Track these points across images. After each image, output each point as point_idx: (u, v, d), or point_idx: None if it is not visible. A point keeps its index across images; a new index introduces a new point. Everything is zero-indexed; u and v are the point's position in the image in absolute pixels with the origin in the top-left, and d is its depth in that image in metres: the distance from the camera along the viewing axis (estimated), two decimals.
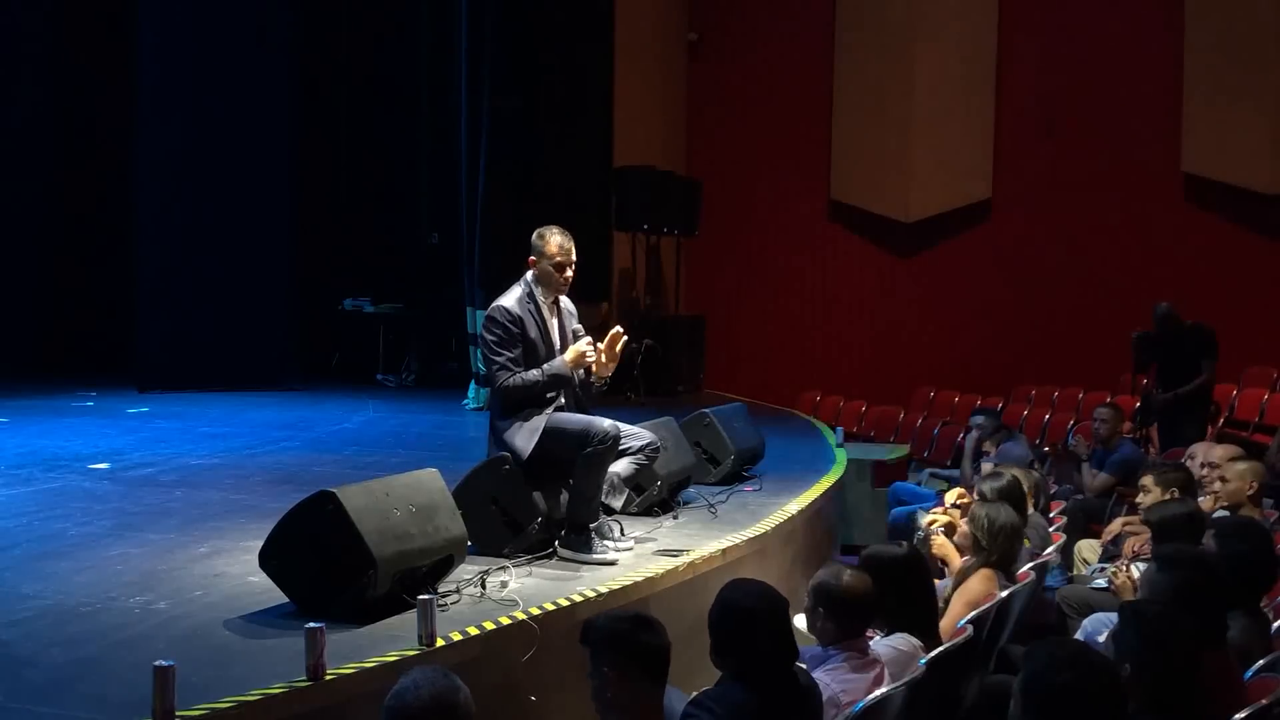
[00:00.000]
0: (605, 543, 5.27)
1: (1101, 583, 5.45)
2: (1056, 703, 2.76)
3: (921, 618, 4.25)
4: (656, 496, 6.22)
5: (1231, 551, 4.26)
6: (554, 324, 5.44)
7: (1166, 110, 12.58)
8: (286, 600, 4.29)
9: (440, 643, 3.95)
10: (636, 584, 4.93)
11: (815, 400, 13.42)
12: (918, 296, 13.87)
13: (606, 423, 5.23)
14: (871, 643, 3.95)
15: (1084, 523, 7.76)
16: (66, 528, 5.61)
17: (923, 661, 3.93)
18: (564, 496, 5.32)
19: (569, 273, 5.41)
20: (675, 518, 6.20)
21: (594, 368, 5.38)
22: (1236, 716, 3.33)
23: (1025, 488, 5.99)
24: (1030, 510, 6.06)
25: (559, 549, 5.23)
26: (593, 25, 11.76)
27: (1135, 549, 5.78)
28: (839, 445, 9.12)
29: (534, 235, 5.43)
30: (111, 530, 5.57)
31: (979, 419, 9.09)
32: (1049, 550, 5.93)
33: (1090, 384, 12.27)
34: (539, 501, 5.27)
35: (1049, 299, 13.21)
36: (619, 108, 12.16)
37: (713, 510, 6.36)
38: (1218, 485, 6.11)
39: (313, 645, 3.57)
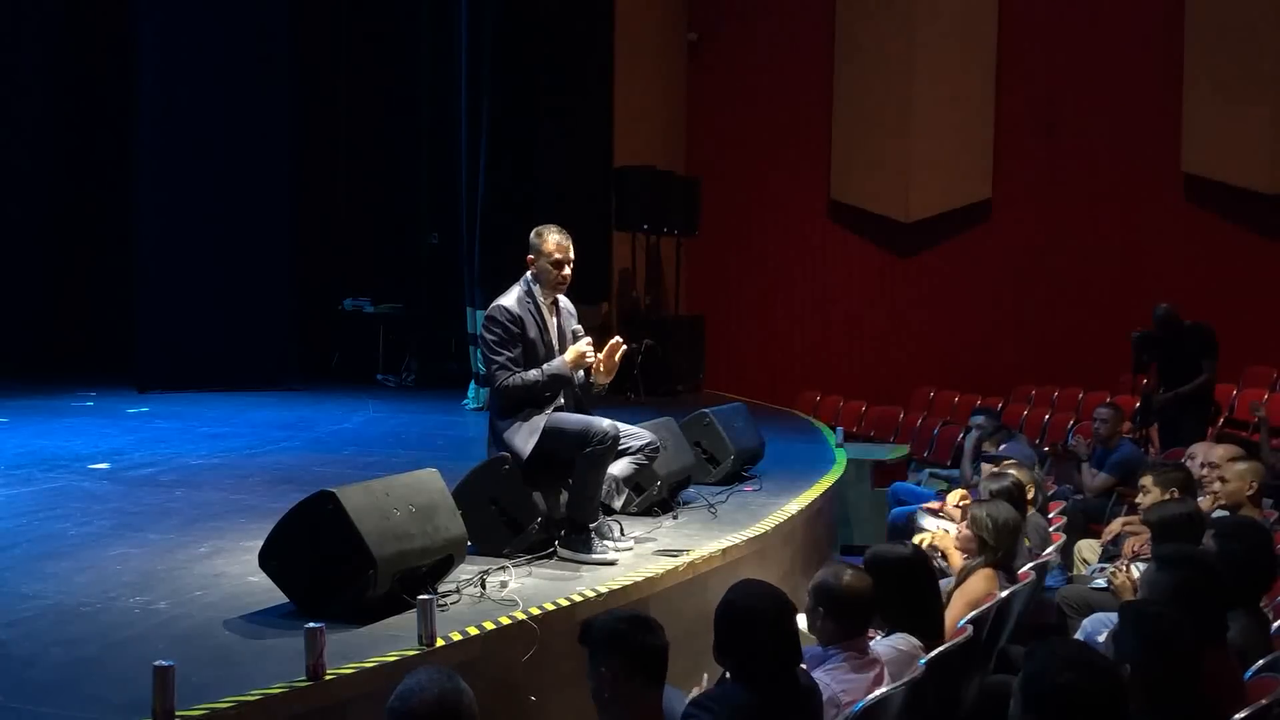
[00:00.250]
0: (605, 543, 5.28)
1: (1101, 583, 5.44)
2: (1056, 703, 2.76)
3: (926, 619, 4.25)
4: (656, 496, 6.22)
5: (1231, 551, 4.25)
6: (553, 323, 5.44)
7: (1166, 110, 12.57)
8: (286, 600, 4.29)
9: (440, 643, 3.96)
10: (636, 584, 4.93)
11: (815, 400, 13.42)
12: (918, 296, 13.87)
13: (606, 423, 5.23)
14: (872, 643, 3.95)
15: (1084, 523, 7.75)
16: (66, 528, 5.61)
17: (923, 661, 3.93)
18: (564, 496, 5.32)
19: (567, 270, 5.40)
20: (675, 518, 6.20)
21: (593, 372, 5.38)
22: (1236, 716, 3.33)
23: (1026, 486, 6.01)
24: (1030, 510, 6.07)
25: (559, 549, 5.23)
26: (593, 25, 11.76)
27: (1135, 549, 5.78)
28: (839, 445, 9.13)
29: (531, 234, 5.44)
30: (111, 530, 5.57)
31: (979, 419, 9.08)
32: (1049, 550, 5.93)
33: (1090, 384, 12.26)
34: (539, 501, 5.27)
35: (1049, 299, 13.21)
36: (619, 108, 12.16)
37: (713, 510, 6.36)
38: (1217, 485, 6.10)
39: (313, 645, 3.57)
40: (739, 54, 14.45)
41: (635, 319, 12.61)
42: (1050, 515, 6.74)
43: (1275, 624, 4.34)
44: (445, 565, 4.58)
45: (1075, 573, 6.68)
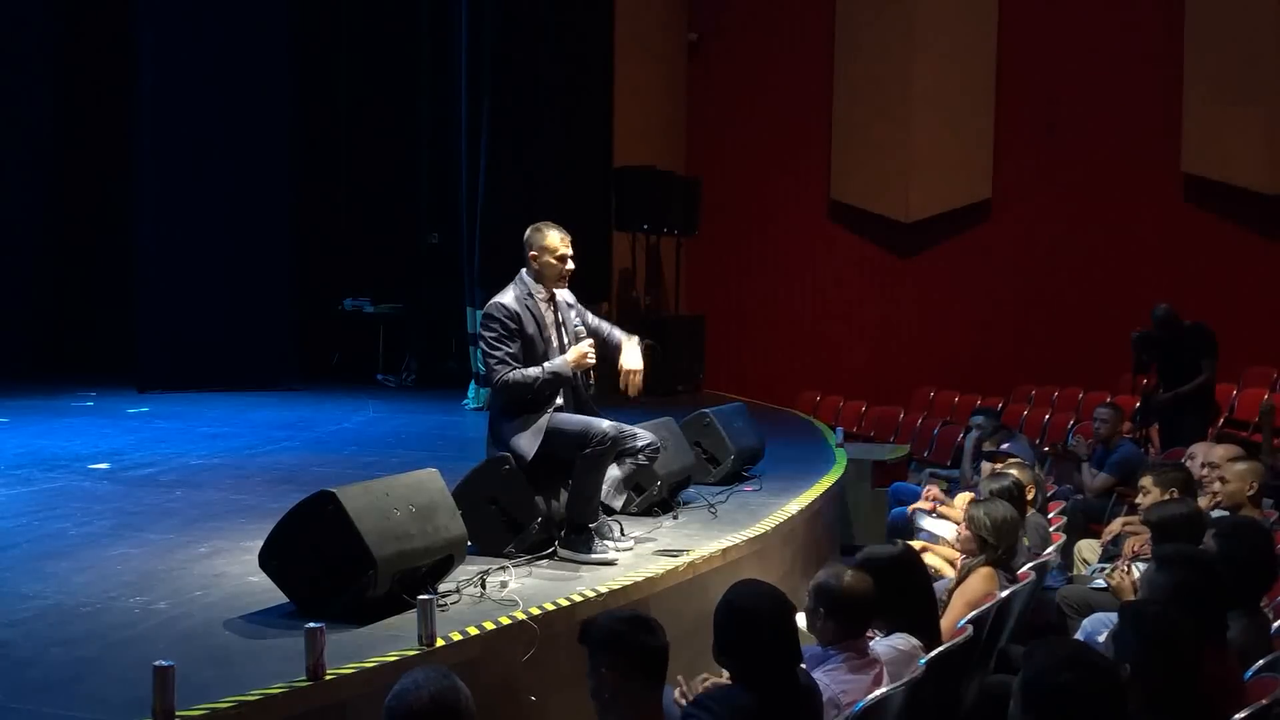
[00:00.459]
0: (605, 543, 5.27)
1: (1101, 583, 5.45)
2: (1056, 703, 2.76)
3: (919, 616, 4.25)
4: (656, 496, 6.22)
5: (1231, 551, 4.25)
6: (550, 319, 5.43)
7: (1166, 110, 12.57)
8: (286, 600, 4.29)
9: (440, 643, 3.95)
10: (636, 584, 4.93)
11: (815, 400, 13.41)
12: (918, 296, 13.87)
13: (606, 423, 5.23)
14: (871, 643, 3.95)
15: (1084, 523, 7.76)
16: (66, 528, 5.62)
17: (923, 661, 3.93)
18: (564, 496, 5.32)
19: (570, 264, 5.41)
20: (675, 518, 6.20)
21: (624, 386, 5.36)
22: (1236, 716, 3.33)
23: (1025, 486, 6.02)
24: (1030, 510, 6.07)
25: (559, 549, 5.23)
26: (593, 25, 11.76)
27: (1135, 549, 5.78)
28: (839, 445, 9.13)
29: (530, 230, 5.43)
30: (111, 530, 5.57)
31: (979, 419, 9.08)
32: (1049, 550, 5.93)
33: (1090, 384, 12.26)
34: (539, 501, 5.27)
35: (1049, 299, 13.21)
36: (619, 108, 12.15)
37: (713, 510, 6.36)
38: (1217, 485, 6.10)
39: (313, 645, 3.57)
40: (739, 54, 14.45)
41: (635, 319, 12.61)
42: (1050, 515, 6.75)
43: (1275, 624, 4.34)
44: (445, 565, 4.58)
45: (1075, 573, 6.68)
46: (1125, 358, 10.29)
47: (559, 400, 5.37)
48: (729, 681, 3.46)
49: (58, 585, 4.64)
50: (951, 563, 5.68)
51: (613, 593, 4.75)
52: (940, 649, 4.08)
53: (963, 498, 6.91)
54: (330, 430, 9.10)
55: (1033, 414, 11.89)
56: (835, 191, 14.13)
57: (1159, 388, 9.49)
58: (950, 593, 5.07)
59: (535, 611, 4.38)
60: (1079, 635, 4.78)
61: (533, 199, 10.37)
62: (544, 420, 5.25)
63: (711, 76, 14.61)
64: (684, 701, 3.52)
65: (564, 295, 5.53)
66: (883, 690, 3.63)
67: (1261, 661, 3.87)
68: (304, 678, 3.56)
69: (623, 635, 3.22)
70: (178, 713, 3.23)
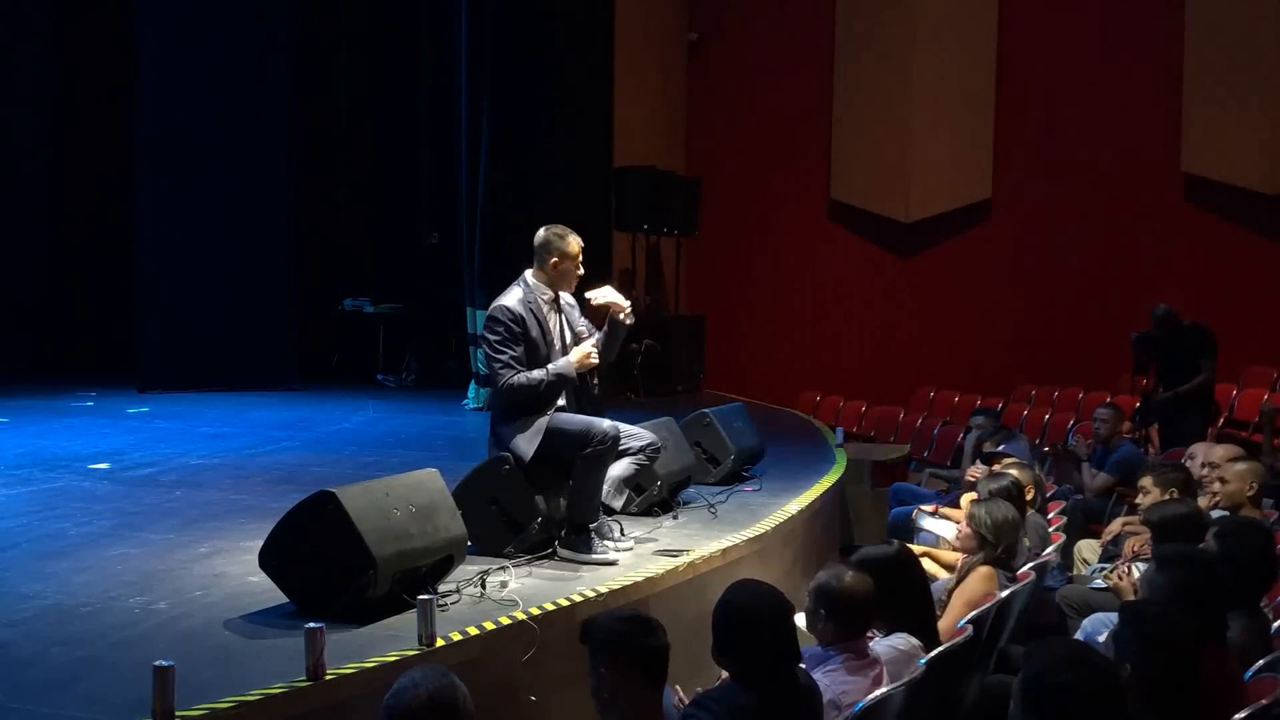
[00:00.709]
0: (605, 543, 5.28)
1: (1101, 583, 5.45)
2: (1056, 703, 2.76)
3: (915, 616, 4.25)
4: (656, 496, 6.22)
5: (1231, 551, 4.25)
6: (553, 322, 5.43)
7: (1166, 110, 12.57)
8: (286, 600, 4.30)
9: (440, 643, 3.96)
10: (636, 584, 4.93)
11: (815, 400, 13.41)
12: (918, 296, 13.86)
13: (606, 423, 5.23)
14: (871, 643, 3.95)
15: (1084, 523, 7.75)
16: (66, 528, 5.62)
17: (923, 661, 3.93)
18: (564, 497, 5.32)
19: (581, 270, 5.43)
20: (675, 518, 6.20)
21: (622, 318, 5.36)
22: (1236, 716, 3.33)
23: (1025, 486, 6.02)
24: (1030, 510, 6.07)
25: (559, 549, 5.23)
26: (593, 25, 11.76)
27: (1135, 549, 5.78)
28: (839, 445, 9.13)
29: (549, 235, 5.38)
30: (111, 530, 5.57)
31: (979, 419, 9.08)
32: (1049, 550, 5.93)
33: (1090, 384, 12.26)
34: (539, 501, 5.27)
35: (1049, 299, 13.21)
36: (619, 108, 12.15)
37: (713, 510, 6.36)
38: (1217, 485, 6.10)
39: (313, 645, 3.57)
40: (739, 54, 14.45)
41: (635, 319, 12.58)
42: (1050, 515, 6.75)
43: (1275, 624, 4.34)
44: (445, 565, 4.58)
45: (1075, 573, 6.67)
46: (1125, 358, 10.29)
47: (561, 400, 5.37)
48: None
49: (58, 585, 4.64)
50: (950, 568, 5.68)
51: (613, 593, 4.76)
52: (940, 649, 4.08)
53: (965, 497, 6.90)
54: (330, 430, 9.10)
55: (1033, 414, 11.89)
56: (835, 191, 14.13)
57: (1158, 388, 9.49)
58: (950, 592, 5.07)
59: (535, 611, 4.38)
60: (1079, 635, 4.78)
61: (533, 199, 10.37)
62: (544, 421, 5.25)
63: (711, 76, 14.61)
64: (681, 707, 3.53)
65: (565, 296, 5.53)
66: (883, 690, 3.63)
67: (1261, 661, 3.86)
68: (304, 678, 3.56)
69: (622, 636, 3.22)
70: (178, 713, 3.23)
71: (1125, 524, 6.53)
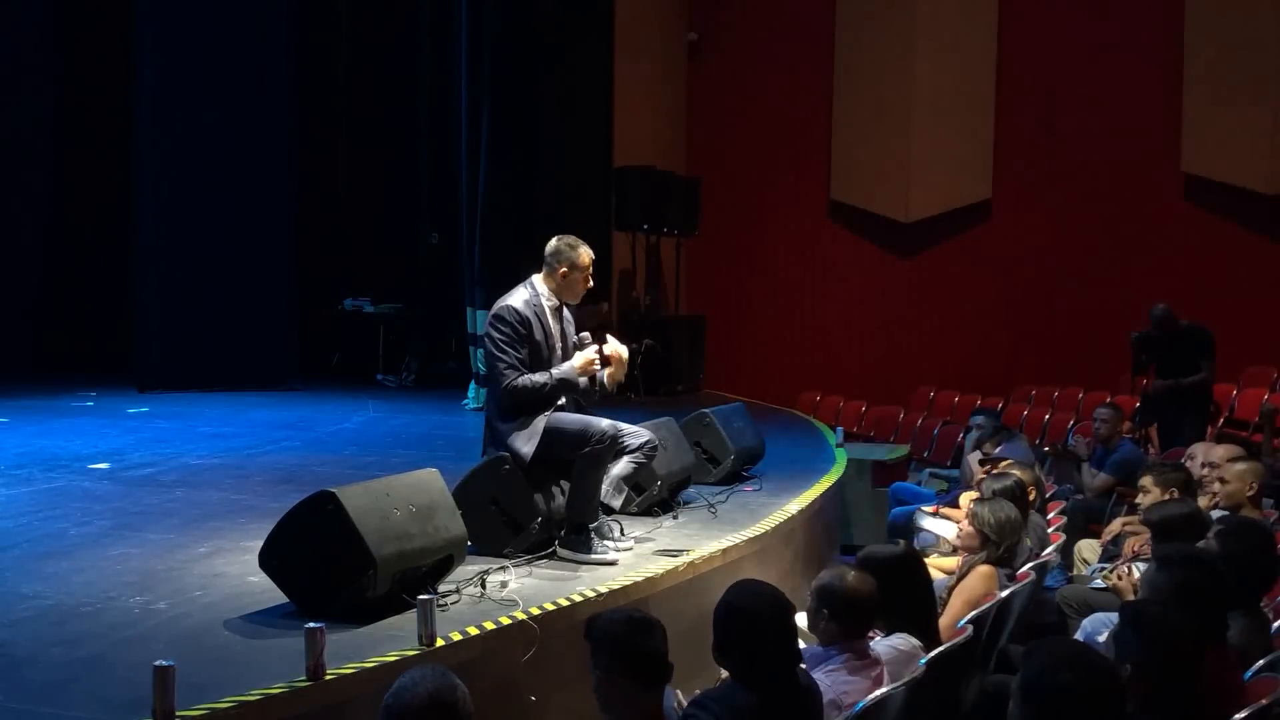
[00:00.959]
0: (605, 543, 5.28)
1: (1101, 583, 5.45)
2: (1056, 703, 2.76)
3: (918, 617, 4.25)
4: (656, 496, 6.22)
5: (1231, 551, 4.25)
6: (556, 328, 5.44)
7: (1166, 110, 12.57)
8: (286, 600, 4.29)
9: (440, 643, 3.96)
10: (636, 584, 4.93)
11: (815, 400, 13.42)
12: (918, 296, 13.87)
13: (605, 423, 5.24)
14: (872, 643, 3.95)
15: (1084, 523, 7.75)
16: (66, 528, 5.61)
17: (923, 661, 3.93)
18: (563, 496, 5.32)
19: (590, 282, 5.45)
20: (675, 518, 6.20)
21: (609, 381, 5.38)
22: (1236, 716, 3.33)
23: (1027, 486, 6.02)
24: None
25: (559, 549, 5.23)
26: (593, 25, 11.76)
27: (1135, 549, 5.78)
28: (839, 445, 9.12)
29: (561, 245, 5.39)
30: (111, 530, 5.57)
31: (979, 419, 9.08)
32: (1049, 550, 5.93)
33: (1090, 384, 12.27)
34: (539, 501, 5.27)
35: (1049, 299, 13.21)
36: (619, 108, 12.16)
37: (713, 510, 6.36)
38: (1217, 485, 6.10)
39: (313, 645, 3.57)
40: (739, 54, 14.45)
41: (635, 319, 12.61)
42: (1050, 515, 6.74)
43: (1275, 624, 4.34)
44: (445, 565, 4.58)
45: (1075, 573, 6.67)
46: (1125, 358, 10.29)
47: (560, 400, 5.38)
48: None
49: (58, 585, 4.64)
50: (950, 572, 5.69)
51: (613, 593, 4.75)
52: (940, 649, 4.08)
53: (966, 497, 6.90)
54: (330, 430, 9.10)
55: (1033, 414, 11.89)
56: (835, 191, 14.13)
57: (1157, 389, 9.48)
58: (950, 591, 5.07)
59: (535, 611, 4.38)
60: (1079, 635, 4.78)
61: (533, 199, 10.38)
62: (542, 420, 5.25)
63: (711, 76, 14.61)
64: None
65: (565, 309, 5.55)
66: (883, 690, 3.63)
67: (1261, 661, 3.86)
68: (304, 678, 3.56)
69: (619, 637, 3.22)
70: (178, 713, 3.23)
71: (1125, 524, 6.53)
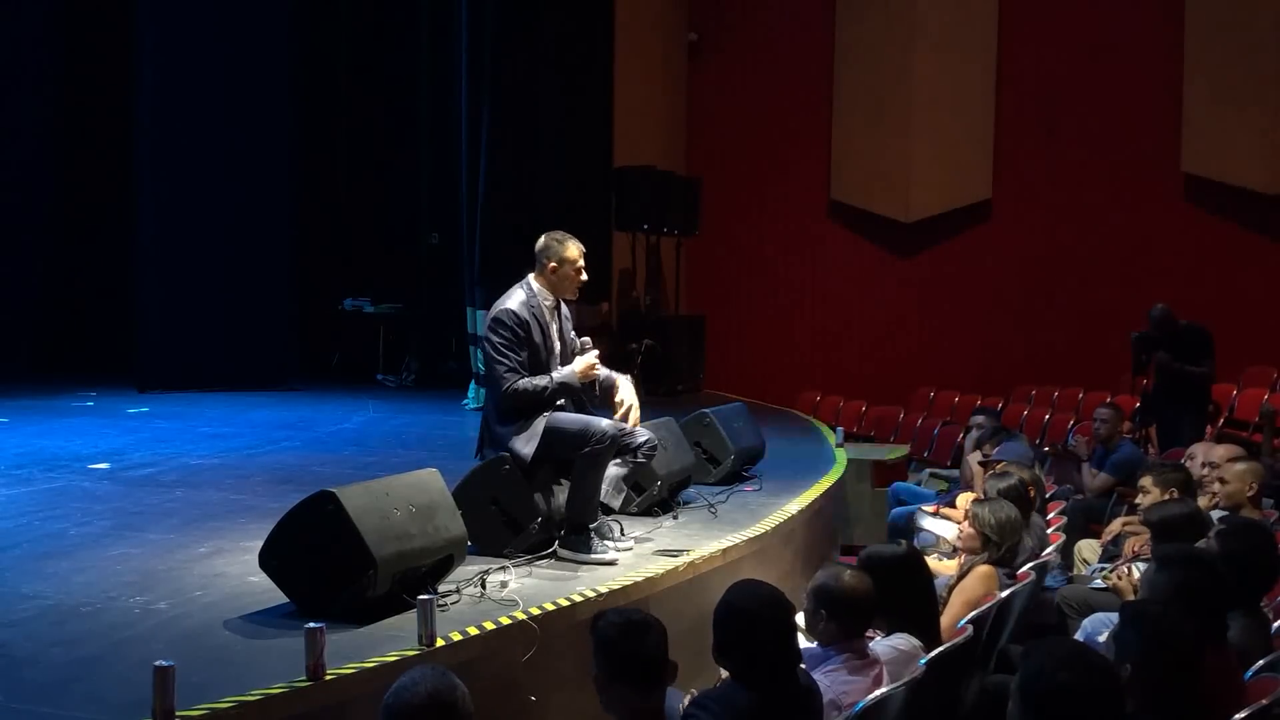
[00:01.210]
0: (605, 543, 5.28)
1: (1101, 583, 5.45)
2: (1055, 703, 2.76)
3: (920, 617, 4.25)
4: (656, 496, 6.22)
5: (1231, 552, 4.25)
6: (554, 328, 5.44)
7: (1166, 110, 12.58)
8: (286, 600, 4.29)
9: (440, 643, 3.96)
10: (636, 584, 4.93)
11: (815, 400, 13.42)
12: (918, 296, 13.87)
13: (605, 423, 5.24)
14: (871, 643, 3.95)
15: (1084, 523, 7.75)
16: (66, 528, 5.61)
17: (923, 661, 3.93)
18: (563, 496, 5.32)
19: (585, 275, 5.43)
20: (675, 518, 6.20)
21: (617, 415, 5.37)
22: (1236, 716, 3.33)
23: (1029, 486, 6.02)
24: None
25: (559, 549, 5.23)
26: (593, 25, 11.76)
27: (1135, 549, 5.78)
28: (839, 445, 9.12)
29: (549, 241, 5.39)
30: (111, 530, 5.57)
31: (979, 419, 9.07)
32: (1049, 550, 5.93)
33: (1090, 384, 12.27)
34: (539, 501, 5.27)
35: (1049, 299, 13.21)
36: (619, 108, 12.16)
37: (713, 510, 6.36)
38: (1217, 485, 6.10)
39: (313, 645, 3.57)
40: (739, 54, 14.46)
41: (635, 319, 12.61)
42: (1050, 515, 6.74)
43: (1275, 624, 4.34)
44: (445, 565, 4.58)
45: (1075, 573, 6.67)
46: (1125, 358, 10.30)
47: (560, 399, 5.38)
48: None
49: (58, 585, 4.64)
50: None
51: (612, 593, 4.75)
52: (940, 649, 4.08)
53: (964, 498, 6.90)
54: (330, 430, 9.10)
55: (1033, 414, 11.89)
56: (835, 191, 14.14)
57: (1157, 385, 9.49)
58: (950, 590, 5.07)
59: (535, 611, 4.38)
60: (1079, 635, 4.78)
61: (533, 199, 10.37)
62: (541, 421, 5.25)
63: (711, 76, 14.61)
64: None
65: (562, 306, 5.54)
66: (883, 690, 3.63)
67: (1261, 661, 3.87)
68: (304, 678, 3.56)
69: (614, 640, 3.23)
70: (178, 713, 3.23)
71: (1125, 524, 6.53)
